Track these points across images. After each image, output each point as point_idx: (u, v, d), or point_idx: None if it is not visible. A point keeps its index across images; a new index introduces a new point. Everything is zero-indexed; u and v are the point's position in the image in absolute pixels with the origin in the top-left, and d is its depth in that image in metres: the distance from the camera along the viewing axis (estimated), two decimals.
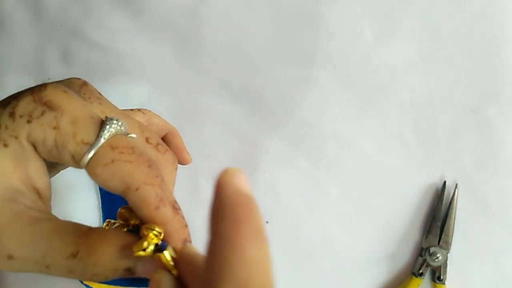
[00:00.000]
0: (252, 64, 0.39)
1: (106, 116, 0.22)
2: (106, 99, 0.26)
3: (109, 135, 0.22)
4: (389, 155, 0.38)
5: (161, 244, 0.21)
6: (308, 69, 0.39)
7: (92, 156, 0.21)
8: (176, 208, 0.22)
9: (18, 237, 0.21)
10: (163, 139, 0.32)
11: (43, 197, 0.23)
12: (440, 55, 0.38)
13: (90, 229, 0.22)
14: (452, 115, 0.38)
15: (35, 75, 0.41)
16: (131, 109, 0.31)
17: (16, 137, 0.22)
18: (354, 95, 0.39)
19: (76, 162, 0.22)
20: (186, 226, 0.22)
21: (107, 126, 0.22)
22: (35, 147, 0.22)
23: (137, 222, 0.22)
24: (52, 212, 0.23)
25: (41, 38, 0.42)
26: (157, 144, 0.25)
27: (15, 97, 0.23)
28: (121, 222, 0.23)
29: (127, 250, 0.21)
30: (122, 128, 0.23)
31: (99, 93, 0.26)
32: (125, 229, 0.23)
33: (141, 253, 0.20)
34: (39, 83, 0.23)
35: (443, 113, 0.38)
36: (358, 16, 0.39)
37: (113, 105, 0.26)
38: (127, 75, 0.40)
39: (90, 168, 0.22)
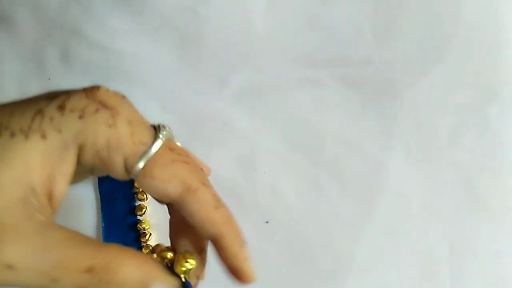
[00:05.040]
0: (252, 64, 0.39)
1: (158, 123, 0.22)
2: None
3: (166, 137, 0.22)
4: (389, 154, 0.38)
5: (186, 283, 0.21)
6: (308, 69, 0.39)
7: (150, 158, 0.21)
8: (228, 209, 0.22)
9: (26, 243, 0.18)
10: None
11: (53, 206, 0.21)
12: (439, 55, 0.38)
13: (105, 245, 0.20)
14: (452, 115, 0.38)
15: (35, 75, 0.41)
16: None
17: (59, 131, 0.20)
18: (354, 95, 0.39)
19: (129, 166, 0.21)
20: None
21: (162, 130, 0.22)
22: (80, 147, 0.20)
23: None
24: None
25: (41, 38, 0.42)
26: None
27: (64, 92, 0.21)
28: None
29: (145, 274, 0.19)
30: (172, 134, 0.23)
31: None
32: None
33: (183, 268, 0.21)
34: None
35: (443, 113, 0.38)
36: (358, 16, 0.39)
37: None
38: (127, 75, 0.40)
39: (145, 170, 0.21)
